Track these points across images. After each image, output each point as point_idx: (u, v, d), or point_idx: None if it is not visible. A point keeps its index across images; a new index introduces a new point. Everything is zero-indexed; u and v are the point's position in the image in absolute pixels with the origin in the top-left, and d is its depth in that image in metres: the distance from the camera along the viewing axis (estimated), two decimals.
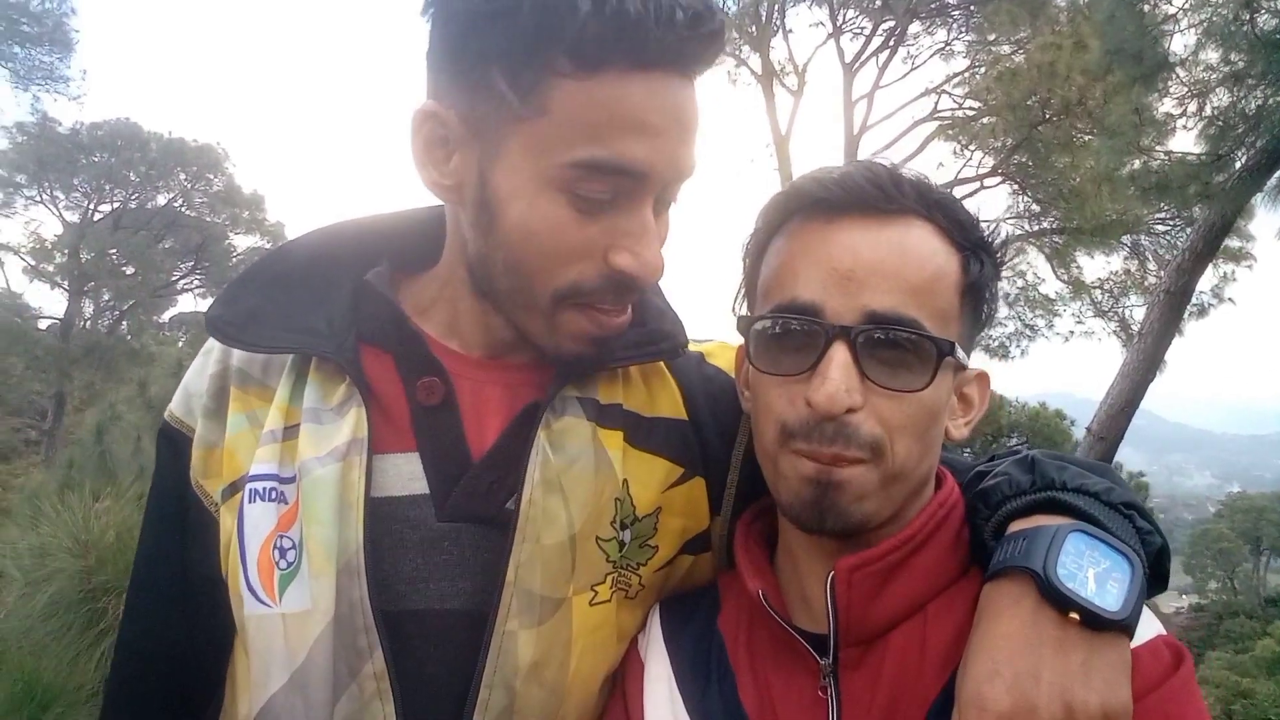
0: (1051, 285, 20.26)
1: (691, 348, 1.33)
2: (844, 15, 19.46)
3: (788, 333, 1.05)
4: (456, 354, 1.22)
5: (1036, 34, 16.77)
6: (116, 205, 32.46)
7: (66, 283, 31.58)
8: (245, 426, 1.19)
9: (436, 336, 1.23)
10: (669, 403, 1.29)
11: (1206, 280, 14.87)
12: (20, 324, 29.22)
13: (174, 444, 1.24)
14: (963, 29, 19.19)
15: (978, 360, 1.17)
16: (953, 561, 1.11)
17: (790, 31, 20.17)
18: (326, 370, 1.18)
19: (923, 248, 1.05)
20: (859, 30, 19.59)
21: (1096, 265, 19.10)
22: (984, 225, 1.11)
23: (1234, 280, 16.62)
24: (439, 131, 1.10)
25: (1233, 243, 15.06)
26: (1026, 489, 1.07)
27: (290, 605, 1.08)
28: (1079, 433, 10.57)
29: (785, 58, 20.10)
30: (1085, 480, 1.06)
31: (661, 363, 1.30)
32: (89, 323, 32.87)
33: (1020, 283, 20.46)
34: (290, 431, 1.15)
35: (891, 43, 19.32)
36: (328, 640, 1.06)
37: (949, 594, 1.09)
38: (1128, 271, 18.74)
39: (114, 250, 31.57)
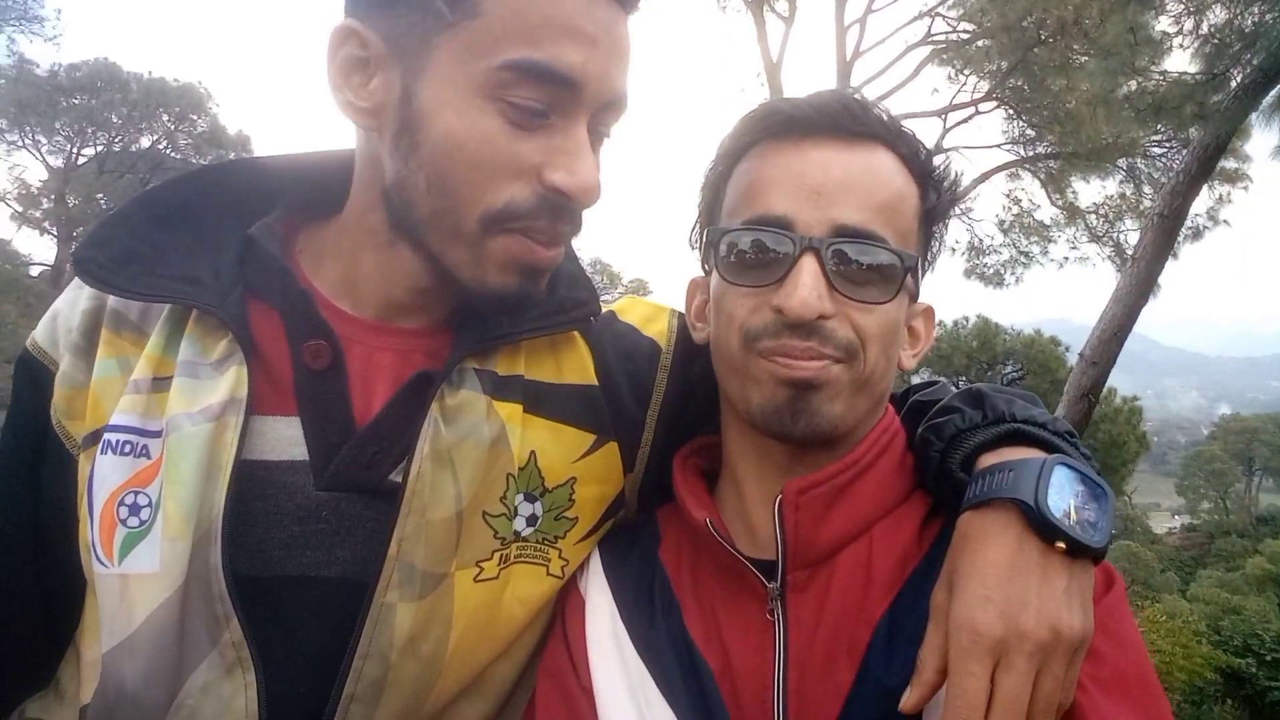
0: (1046, 211, 20.13)
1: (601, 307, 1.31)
2: None
3: (757, 245, 1.09)
4: (348, 316, 1.17)
5: None
6: (100, 148, 32.01)
7: (55, 229, 31.31)
8: (115, 372, 1.12)
9: (328, 294, 1.18)
10: (577, 369, 1.26)
11: (1202, 203, 14.82)
12: (11, 271, 29.03)
13: (34, 376, 1.16)
14: None
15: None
16: (897, 486, 1.15)
17: None
18: (207, 324, 1.11)
19: (891, 170, 1.11)
20: None
21: (1092, 190, 19.04)
22: (938, 160, 1.16)
23: (1230, 202, 16.50)
24: (358, 52, 1.06)
25: (1229, 164, 14.93)
26: (980, 423, 1.10)
27: (133, 566, 1.03)
28: (1073, 359, 10.62)
29: None
30: (1032, 411, 1.11)
31: None
32: None
33: (1015, 209, 20.33)
34: (160, 383, 1.09)
35: None
36: (173, 606, 1.01)
37: (893, 517, 1.13)
38: (1123, 196, 18.58)
39: (101, 194, 31.20)
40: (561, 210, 1.06)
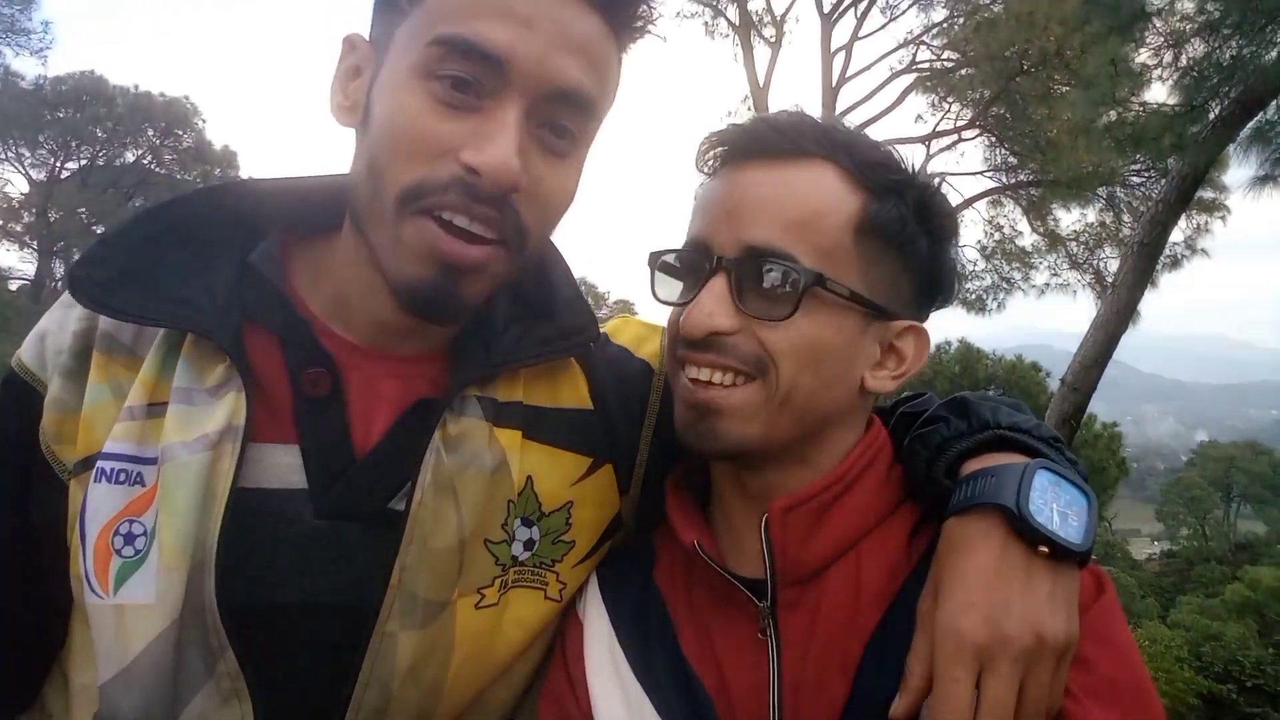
0: (1028, 238, 20.29)
1: None
2: None
3: (682, 265, 1.15)
4: (346, 341, 1.16)
5: None
6: (84, 163, 31.83)
7: (35, 243, 31.05)
8: (108, 397, 1.08)
9: (323, 318, 1.16)
10: (572, 393, 1.26)
11: (1180, 232, 14.99)
12: None
13: (20, 396, 1.12)
14: None
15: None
16: (884, 499, 1.15)
17: None
18: (204, 348, 1.08)
19: (811, 185, 1.08)
20: None
21: (1072, 218, 19.03)
22: (905, 167, 1.12)
23: (1208, 232, 16.68)
24: (354, 61, 1.11)
25: (1207, 194, 15.10)
26: (965, 430, 1.11)
27: (129, 597, 1.00)
28: (1055, 384, 10.70)
29: (763, 8, 19.81)
30: (1016, 418, 1.11)
31: None
32: (60, 284, 32.33)
33: (997, 236, 20.49)
34: (155, 409, 1.06)
35: None
36: (170, 637, 1.00)
37: (881, 531, 1.13)
38: (1103, 224, 18.73)
39: (83, 209, 30.98)
40: (473, 191, 1.00)
